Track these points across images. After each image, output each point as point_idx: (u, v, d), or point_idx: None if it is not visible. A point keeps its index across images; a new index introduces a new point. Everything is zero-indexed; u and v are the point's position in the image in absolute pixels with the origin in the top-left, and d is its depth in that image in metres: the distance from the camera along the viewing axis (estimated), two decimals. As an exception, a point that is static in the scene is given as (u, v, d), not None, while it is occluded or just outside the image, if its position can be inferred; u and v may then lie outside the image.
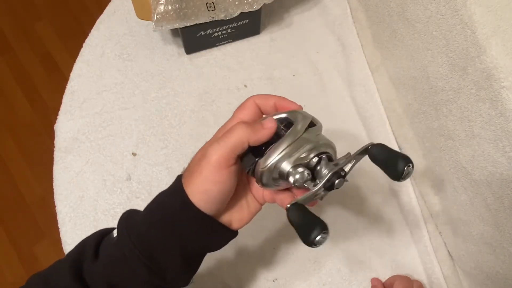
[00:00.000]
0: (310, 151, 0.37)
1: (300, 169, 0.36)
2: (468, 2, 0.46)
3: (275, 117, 0.39)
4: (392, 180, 0.40)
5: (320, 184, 0.36)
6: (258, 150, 0.38)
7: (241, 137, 0.36)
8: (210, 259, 0.55)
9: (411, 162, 0.37)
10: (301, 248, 0.60)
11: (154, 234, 0.38)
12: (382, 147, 0.39)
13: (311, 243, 0.33)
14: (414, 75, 0.61)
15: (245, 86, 0.71)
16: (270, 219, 0.60)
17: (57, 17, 1.58)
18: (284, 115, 0.39)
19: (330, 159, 0.38)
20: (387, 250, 0.61)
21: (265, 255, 0.59)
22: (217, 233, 0.40)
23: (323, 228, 0.33)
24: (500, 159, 0.46)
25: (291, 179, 0.36)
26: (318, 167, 0.37)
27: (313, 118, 0.40)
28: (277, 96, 0.41)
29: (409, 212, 0.64)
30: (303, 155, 0.37)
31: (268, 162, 0.36)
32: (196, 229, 0.38)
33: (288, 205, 0.35)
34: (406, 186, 0.65)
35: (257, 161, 0.37)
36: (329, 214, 0.62)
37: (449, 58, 0.51)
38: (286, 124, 0.39)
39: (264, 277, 0.58)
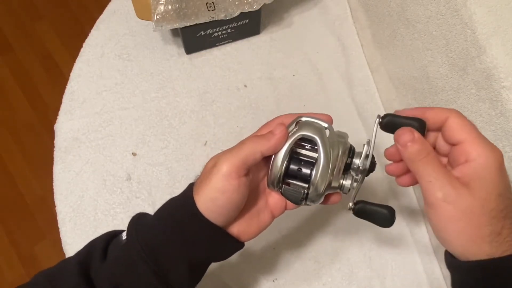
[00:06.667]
0: (342, 158, 0.40)
1: (348, 180, 0.41)
2: (468, 2, 0.46)
3: (291, 139, 0.39)
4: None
5: (364, 175, 0.41)
6: (296, 177, 0.40)
7: (253, 148, 0.37)
8: (210, 259, 0.55)
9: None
10: (301, 248, 0.60)
11: (162, 240, 0.38)
12: (392, 116, 0.39)
13: (392, 223, 0.41)
14: (414, 75, 0.61)
15: (245, 86, 0.71)
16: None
17: (57, 17, 1.58)
18: (298, 133, 0.39)
19: (353, 149, 0.41)
20: (387, 250, 0.61)
21: (265, 255, 0.59)
22: (224, 244, 0.40)
23: (392, 210, 0.40)
24: (500, 159, 0.46)
25: (344, 190, 0.41)
26: (353, 161, 0.41)
27: (319, 122, 0.40)
28: (302, 113, 0.41)
29: (409, 213, 0.64)
30: (340, 164, 0.40)
31: (321, 190, 0.39)
32: (203, 238, 0.38)
33: (351, 205, 0.41)
34: (406, 187, 0.65)
35: (307, 192, 0.40)
36: (329, 215, 0.62)
37: (449, 58, 0.51)
38: (303, 140, 0.40)
39: (264, 277, 0.58)
